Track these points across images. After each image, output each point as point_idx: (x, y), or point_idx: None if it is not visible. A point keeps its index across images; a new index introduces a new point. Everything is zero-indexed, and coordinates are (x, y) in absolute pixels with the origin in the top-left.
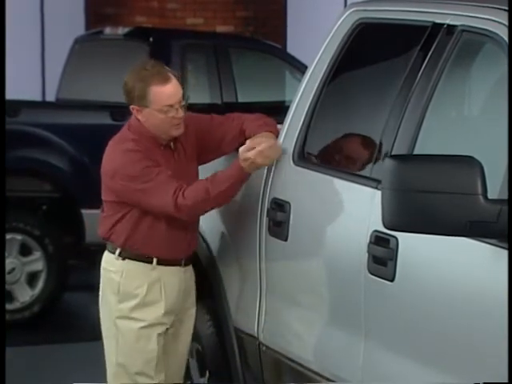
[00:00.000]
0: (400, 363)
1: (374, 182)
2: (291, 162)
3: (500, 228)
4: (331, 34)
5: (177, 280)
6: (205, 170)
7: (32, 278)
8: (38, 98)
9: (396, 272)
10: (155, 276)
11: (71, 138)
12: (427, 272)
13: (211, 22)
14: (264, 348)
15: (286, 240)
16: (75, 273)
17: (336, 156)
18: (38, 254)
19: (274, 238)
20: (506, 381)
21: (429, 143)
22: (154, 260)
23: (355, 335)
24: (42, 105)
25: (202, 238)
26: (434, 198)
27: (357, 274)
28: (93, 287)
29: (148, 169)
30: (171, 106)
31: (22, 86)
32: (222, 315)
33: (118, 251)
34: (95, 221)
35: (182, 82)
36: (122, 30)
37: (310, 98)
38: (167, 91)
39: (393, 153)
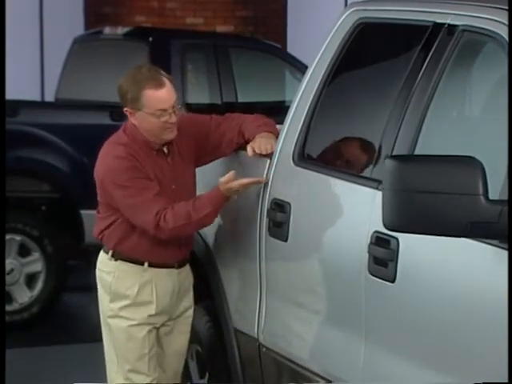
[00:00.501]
0: (400, 364)
1: (374, 183)
2: (291, 162)
3: (501, 228)
4: (331, 34)
5: (170, 281)
6: (203, 172)
7: (31, 279)
8: (37, 97)
9: (397, 273)
10: (147, 277)
11: (70, 138)
12: (428, 273)
13: (211, 21)
14: (264, 349)
15: (286, 240)
16: (74, 273)
17: (336, 156)
18: (36, 254)
19: (274, 239)
20: (506, 381)
21: (430, 143)
22: (146, 262)
23: (356, 336)
24: (41, 105)
25: (202, 238)
26: (434, 199)
27: (357, 274)
28: (92, 288)
29: (135, 180)
30: (164, 110)
31: (21, 86)
32: (222, 316)
33: (110, 252)
34: (94, 221)
35: (182, 81)
36: (121, 30)
37: (311, 98)
38: (160, 96)
39: (393, 153)
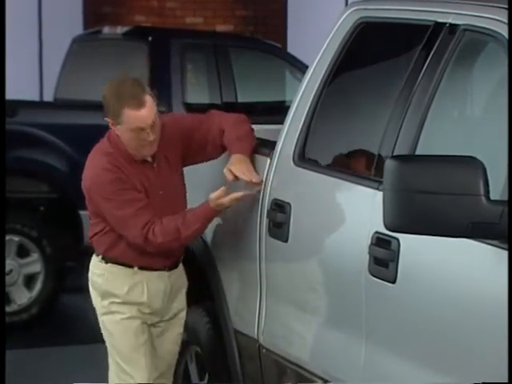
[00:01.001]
0: (401, 365)
1: (375, 183)
2: (291, 162)
3: (502, 229)
4: (332, 34)
5: (161, 283)
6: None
7: (29, 280)
8: (35, 97)
9: (397, 274)
10: (138, 279)
11: (69, 139)
12: (429, 273)
13: (211, 21)
14: (264, 350)
15: (286, 241)
16: (73, 274)
17: (337, 157)
18: (35, 255)
19: (274, 239)
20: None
21: (431, 143)
22: (135, 266)
23: (356, 337)
24: (40, 105)
25: (201, 238)
26: (435, 199)
27: (358, 275)
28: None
29: (121, 192)
30: (142, 129)
31: (19, 86)
32: (222, 317)
33: (100, 256)
34: None
35: (182, 81)
36: (120, 30)
37: (311, 98)
38: (139, 116)
39: (394, 153)
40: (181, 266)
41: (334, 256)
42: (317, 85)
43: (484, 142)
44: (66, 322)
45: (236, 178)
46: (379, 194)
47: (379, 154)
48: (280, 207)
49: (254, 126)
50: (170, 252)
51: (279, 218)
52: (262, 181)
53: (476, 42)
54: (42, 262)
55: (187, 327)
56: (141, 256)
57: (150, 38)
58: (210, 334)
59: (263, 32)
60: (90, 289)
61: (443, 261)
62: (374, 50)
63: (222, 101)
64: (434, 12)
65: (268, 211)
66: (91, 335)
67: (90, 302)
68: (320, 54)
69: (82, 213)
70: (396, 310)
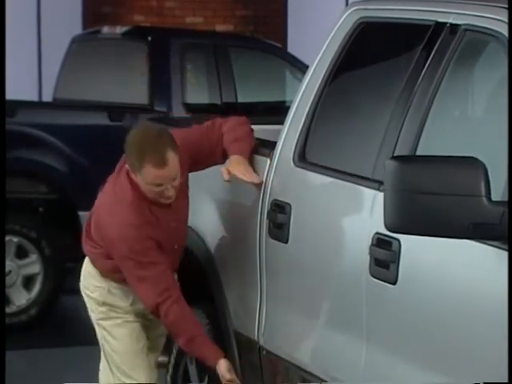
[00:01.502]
0: (402, 366)
1: (375, 184)
2: (292, 163)
3: (503, 230)
4: (332, 34)
5: None
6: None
7: (28, 281)
8: (34, 98)
9: (398, 275)
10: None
11: (68, 139)
12: (430, 275)
13: (210, 21)
14: (264, 352)
15: (286, 242)
16: (72, 276)
17: (337, 157)
18: (34, 256)
19: (274, 240)
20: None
21: (432, 144)
22: None
23: (357, 338)
24: (39, 105)
25: (201, 240)
26: (436, 200)
27: (358, 276)
28: None
29: (147, 252)
30: (161, 184)
31: (18, 86)
32: (222, 319)
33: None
34: None
35: (181, 81)
36: (120, 30)
37: (311, 99)
38: (160, 175)
39: (395, 154)
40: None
41: (335, 257)
42: (317, 85)
43: (485, 143)
44: (65, 323)
45: (229, 178)
46: (380, 195)
47: (380, 155)
48: (280, 208)
49: (253, 127)
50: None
51: (279, 219)
52: (263, 181)
53: (477, 42)
54: (41, 263)
55: None
56: None
57: (149, 38)
58: (210, 335)
59: (263, 32)
60: (84, 296)
61: (444, 262)
62: (374, 50)
63: (222, 101)
64: (435, 12)
65: (268, 212)
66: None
67: None
68: (320, 54)
69: (81, 214)
70: (397, 312)
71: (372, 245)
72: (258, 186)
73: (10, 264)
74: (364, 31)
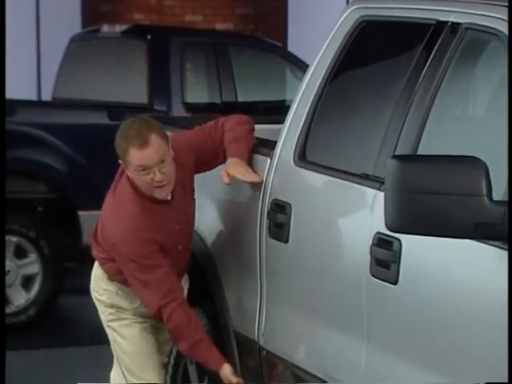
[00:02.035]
0: (403, 367)
1: (376, 183)
2: (292, 162)
3: (504, 230)
4: (333, 32)
5: None
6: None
7: (27, 281)
8: (33, 97)
9: (399, 275)
10: None
11: (68, 138)
12: (431, 275)
13: (210, 19)
14: (264, 352)
15: (286, 242)
16: (71, 275)
17: (338, 156)
18: (33, 256)
19: (274, 240)
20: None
21: (432, 143)
22: None
23: (357, 339)
24: (38, 104)
25: (201, 239)
26: (437, 200)
27: (359, 276)
28: (89, 290)
29: (149, 255)
30: (147, 167)
31: (17, 85)
32: (222, 319)
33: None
34: (92, 222)
35: (181, 80)
36: (119, 28)
37: (312, 98)
38: (142, 155)
39: (396, 153)
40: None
41: (335, 257)
42: (317, 84)
43: (486, 142)
44: (64, 323)
45: (230, 181)
46: (381, 194)
47: (381, 154)
48: (280, 208)
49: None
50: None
51: (279, 219)
52: (263, 181)
53: (478, 41)
54: (40, 263)
55: None
56: None
57: (148, 37)
58: (210, 335)
59: (263, 30)
60: (94, 299)
61: (445, 262)
62: (375, 49)
63: (222, 100)
64: (436, 10)
65: (268, 212)
66: (90, 337)
67: (88, 303)
68: (321, 53)
69: (80, 213)
70: (397, 312)
71: (373, 244)
72: (259, 185)
73: (8, 264)
74: (365, 30)
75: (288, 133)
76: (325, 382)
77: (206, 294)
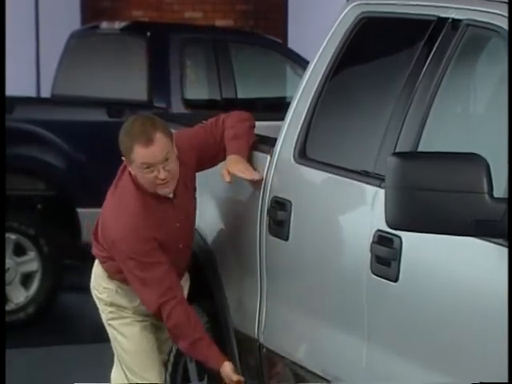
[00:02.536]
0: (403, 364)
1: (377, 180)
2: (292, 159)
3: (505, 227)
4: (333, 29)
5: None
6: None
7: (26, 279)
8: (32, 94)
9: (400, 272)
10: None
11: (67, 135)
12: (432, 272)
13: (210, 15)
14: (264, 350)
15: (286, 239)
16: (71, 273)
17: (338, 153)
18: (32, 254)
19: (274, 238)
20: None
21: (433, 140)
22: None
23: (358, 337)
24: (37, 101)
25: (201, 237)
26: (438, 197)
27: (359, 274)
28: (89, 288)
29: (149, 253)
30: (151, 164)
31: (16, 82)
32: (222, 316)
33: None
34: (91, 220)
35: (181, 77)
36: (118, 25)
37: (312, 94)
38: (147, 153)
39: (396, 150)
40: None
41: (336, 254)
42: (318, 81)
43: (487, 139)
44: (64, 321)
45: (231, 180)
46: (381, 192)
47: (381, 151)
48: (280, 205)
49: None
50: (180, 275)
51: (280, 216)
52: (263, 178)
53: (479, 38)
54: (40, 261)
55: None
56: None
57: (148, 34)
58: (210, 333)
59: (264, 27)
60: (94, 297)
61: (446, 259)
62: (375, 45)
63: (222, 97)
64: (437, 7)
65: (268, 209)
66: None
67: (88, 301)
68: (321, 50)
69: (79, 211)
70: (398, 309)
71: (373, 242)
72: (259, 183)
73: (8, 261)
74: (365, 26)
75: (288, 130)
76: (325, 379)
77: (205, 292)
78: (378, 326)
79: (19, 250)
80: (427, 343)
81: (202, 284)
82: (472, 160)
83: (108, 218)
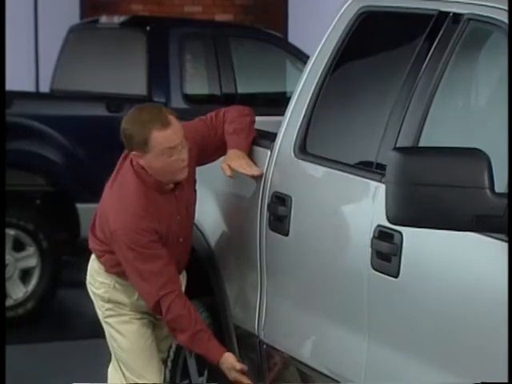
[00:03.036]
0: (404, 361)
1: (377, 176)
2: (292, 154)
3: (506, 222)
4: (334, 23)
5: None
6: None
7: (25, 275)
8: (31, 88)
9: (400, 268)
10: None
11: (66, 130)
12: (432, 268)
13: (210, 10)
14: (264, 346)
15: (287, 235)
16: (70, 269)
17: (338, 148)
18: (31, 249)
19: (274, 233)
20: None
21: (434, 135)
22: None
23: (358, 333)
24: (36, 96)
25: (201, 233)
26: (439, 192)
27: (360, 269)
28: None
29: (150, 245)
30: (173, 147)
31: (15, 77)
32: (222, 312)
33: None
34: (90, 215)
35: (180, 72)
36: (118, 19)
37: (312, 89)
38: (168, 135)
39: (397, 145)
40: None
41: (336, 250)
42: (318, 76)
43: (488, 134)
44: (62, 316)
45: (232, 174)
46: (382, 187)
47: (382, 146)
48: (281, 200)
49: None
50: (179, 268)
51: (280, 212)
52: (263, 173)
53: (480, 32)
54: (38, 256)
55: None
56: None
57: (148, 28)
58: (210, 329)
59: (264, 21)
60: (90, 294)
61: (447, 255)
62: (376, 40)
63: (222, 92)
64: (438, 1)
65: (268, 204)
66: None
67: (87, 297)
68: (321, 45)
69: (79, 206)
70: (399, 305)
71: (374, 237)
72: (259, 178)
73: (6, 257)
74: (365, 21)
75: (288, 125)
76: (325, 375)
77: (205, 288)
78: (378, 322)
79: (18, 246)
80: (428, 339)
81: (201, 279)
82: (473, 155)
83: (108, 211)
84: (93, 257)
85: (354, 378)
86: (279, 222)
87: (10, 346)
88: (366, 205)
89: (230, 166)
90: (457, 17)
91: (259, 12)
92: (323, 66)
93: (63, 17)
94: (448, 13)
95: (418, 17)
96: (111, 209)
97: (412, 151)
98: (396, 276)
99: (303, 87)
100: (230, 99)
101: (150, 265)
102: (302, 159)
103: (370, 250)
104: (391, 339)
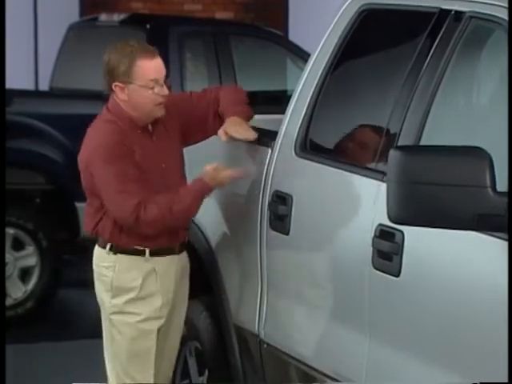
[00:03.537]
0: (405, 361)
1: (379, 174)
2: (293, 153)
3: (507, 221)
4: (334, 21)
5: (173, 270)
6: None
7: (25, 274)
8: (30, 86)
9: (401, 267)
10: (149, 267)
11: (65, 129)
12: (434, 267)
13: (210, 8)
14: (265, 345)
15: (287, 234)
16: (69, 268)
17: (339, 147)
18: (31, 248)
19: (275, 232)
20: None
21: (436, 133)
22: (147, 251)
23: (359, 332)
24: (35, 94)
25: (201, 231)
26: (440, 191)
27: (361, 269)
28: (87, 283)
29: (123, 160)
30: (157, 81)
31: (15, 75)
32: (222, 312)
33: (108, 246)
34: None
35: (181, 70)
36: (117, 17)
37: (313, 88)
38: (154, 65)
39: (399, 143)
40: (185, 252)
41: (337, 249)
42: (319, 74)
43: (490, 132)
44: (62, 316)
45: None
46: (383, 186)
47: (383, 144)
48: (281, 199)
49: (255, 116)
50: (173, 231)
51: (280, 210)
52: (257, 136)
53: (482, 30)
54: (38, 255)
55: (187, 322)
56: (147, 236)
57: (147, 26)
58: (210, 329)
59: (264, 19)
60: (96, 283)
61: (448, 254)
62: (377, 38)
63: None
64: None
65: (269, 203)
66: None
67: (87, 296)
68: (322, 42)
69: (78, 205)
70: (400, 304)
71: (375, 236)
72: (260, 175)
73: (6, 256)
74: (367, 19)
75: (289, 123)
76: (326, 375)
77: (205, 287)
78: (379, 321)
79: (18, 245)
80: (429, 338)
81: (201, 279)
82: (475, 154)
83: (82, 149)
84: (96, 247)
85: (355, 377)
86: (280, 220)
87: (10, 345)
88: (367, 204)
89: (226, 133)
90: (458, 15)
91: (259, 10)
92: (324, 64)
93: (63, 15)
94: (450, 11)
95: (420, 15)
96: (84, 144)
97: (413, 150)
98: (397, 275)
99: (304, 85)
100: None
101: (124, 181)
102: (302, 158)
103: (371, 248)
104: (392, 338)
